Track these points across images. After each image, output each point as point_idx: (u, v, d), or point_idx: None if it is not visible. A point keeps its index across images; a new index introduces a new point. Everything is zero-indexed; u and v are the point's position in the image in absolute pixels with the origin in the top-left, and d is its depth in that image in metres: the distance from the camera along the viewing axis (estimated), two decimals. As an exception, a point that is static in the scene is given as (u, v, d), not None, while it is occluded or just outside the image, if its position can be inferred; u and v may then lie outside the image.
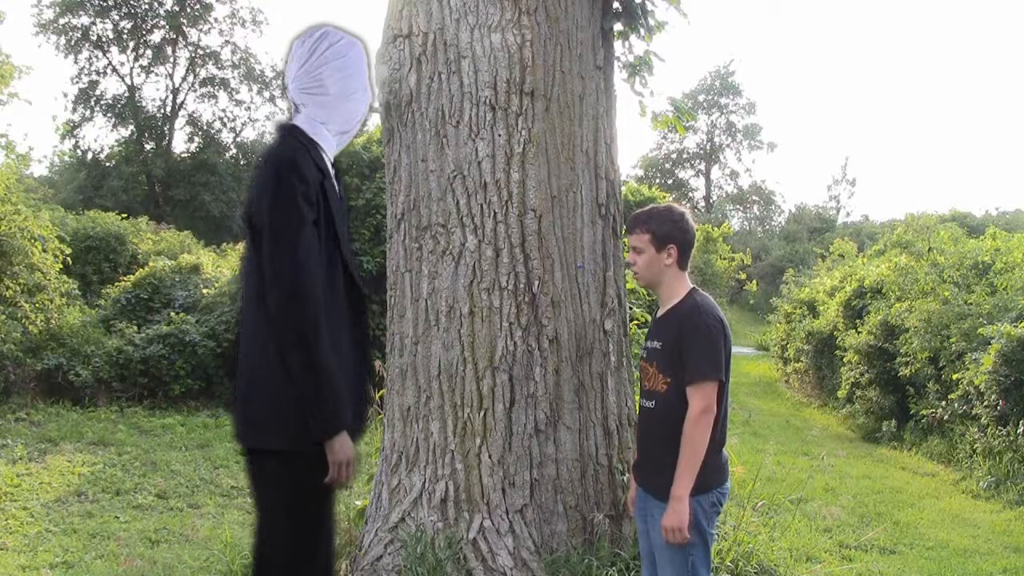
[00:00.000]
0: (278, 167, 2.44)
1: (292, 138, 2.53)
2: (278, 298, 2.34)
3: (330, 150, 2.62)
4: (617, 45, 4.62)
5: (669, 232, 2.88)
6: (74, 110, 29.60)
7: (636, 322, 6.14)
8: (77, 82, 29.76)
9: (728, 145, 47.43)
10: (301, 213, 2.37)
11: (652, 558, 2.96)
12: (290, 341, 2.33)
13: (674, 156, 47.81)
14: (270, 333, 2.38)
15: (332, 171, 2.61)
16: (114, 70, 30.36)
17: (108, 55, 30.19)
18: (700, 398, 2.73)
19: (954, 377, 8.94)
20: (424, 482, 3.92)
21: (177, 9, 29.91)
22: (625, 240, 4.41)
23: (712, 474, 2.81)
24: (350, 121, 2.65)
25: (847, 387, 12.05)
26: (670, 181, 45.93)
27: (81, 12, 29.08)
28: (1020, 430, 7.58)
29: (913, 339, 9.88)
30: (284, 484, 2.45)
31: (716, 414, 2.76)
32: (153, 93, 44.20)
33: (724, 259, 23.03)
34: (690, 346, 2.77)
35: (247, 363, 2.48)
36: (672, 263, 2.88)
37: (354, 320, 2.58)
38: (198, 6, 30.19)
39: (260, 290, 2.40)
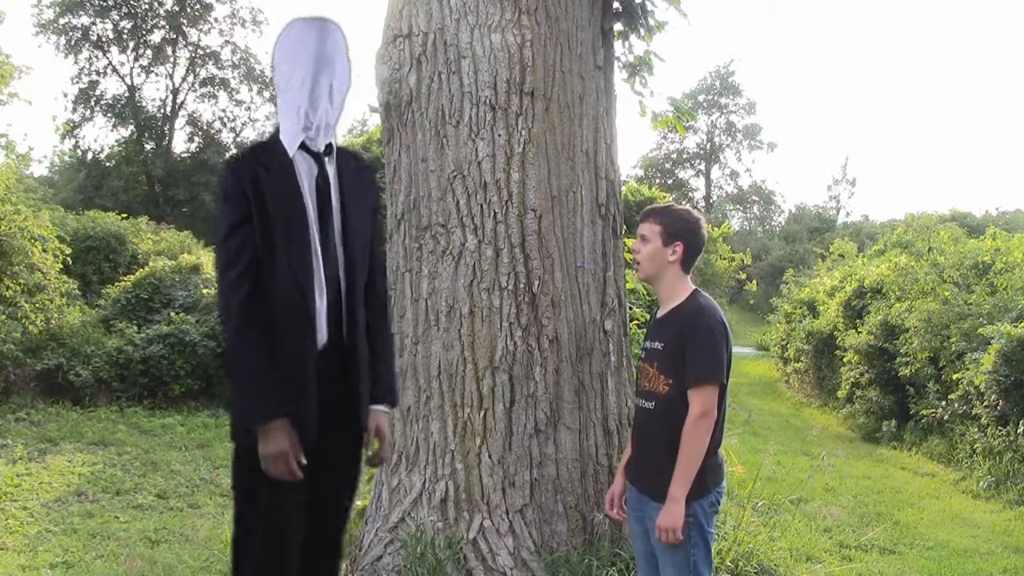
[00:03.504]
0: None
1: (261, 138, 2.61)
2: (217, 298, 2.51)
3: (291, 147, 2.50)
4: (617, 45, 4.62)
5: (680, 230, 2.88)
6: (74, 110, 29.60)
7: (636, 322, 6.14)
8: (77, 82, 29.77)
9: (728, 145, 47.42)
10: (222, 214, 2.45)
11: (647, 558, 2.96)
12: (226, 336, 2.49)
13: (674, 156, 47.79)
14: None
15: (310, 169, 2.52)
16: (114, 70, 30.37)
17: (108, 55, 30.19)
18: (700, 401, 2.73)
19: (954, 377, 8.94)
20: (424, 482, 3.92)
21: (177, 9, 29.90)
22: (626, 240, 4.43)
23: (710, 475, 2.82)
24: (299, 111, 2.50)
25: (847, 387, 12.06)
26: (670, 181, 45.90)
27: (81, 12, 29.06)
28: (1020, 430, 7.58)
29: (913, 339, 9.89)
30: (234, 475, 2.61)
31: (716, 417, 2.77)
32: (153, 93, 44.11)
33: (724, 259, 23.00)
34: (692, 348, 2.77)
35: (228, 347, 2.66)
36: (676, 261, 2.88)
37: (295, 315, 2.47)
38: (198, 6, 30.18)
39: None
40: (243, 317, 2.38)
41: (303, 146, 2.52)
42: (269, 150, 2.51)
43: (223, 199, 2.45)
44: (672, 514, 2.72)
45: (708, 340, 2.77)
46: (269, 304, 2.42)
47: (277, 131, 2.56)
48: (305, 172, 2.52)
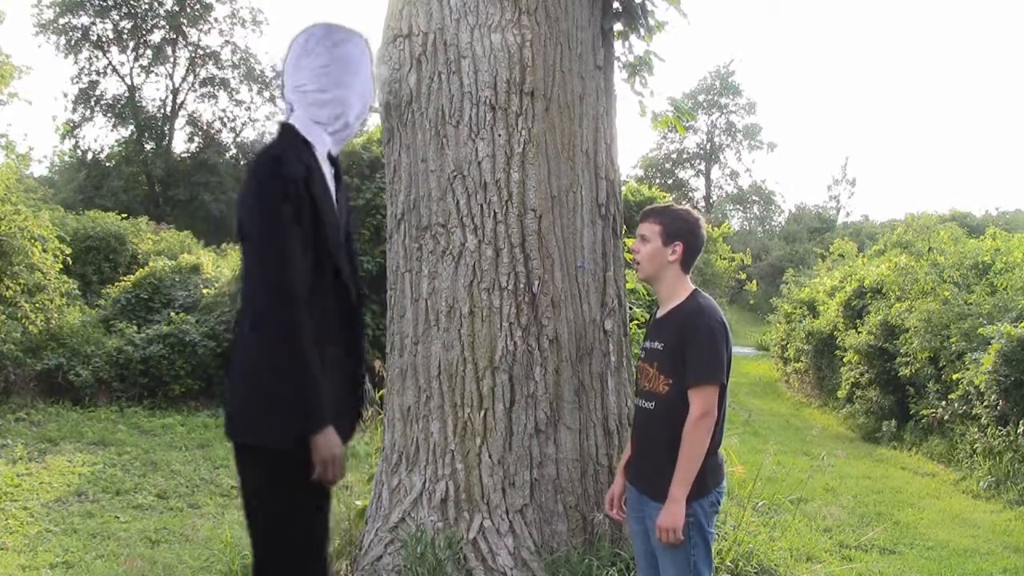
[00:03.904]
0: (257, 166, 2.44)
1: (282, 136, 2.53)
2: (261, 299, 2.34)
3: (323, 148, 2.56)
4: (617, 45, 4.62)
5: (679, 229, 2.89)
6: (74, 110, 29.63)
7: (636, 322, 6.14)
8: (77, 82, 29.80)
9: (728, 145, 47.44)
10: (280, 212, 2.34)
11: (647, 558, 2.96)
12: (272, 340, 2.32)
13: (674, 156, 47.81)
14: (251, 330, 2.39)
15: (331, 171, 2.58)
16: (114, 70, 30.39)
17: (108, 55, 30.22)
18: (701, 401, 2.73)
19: (954, 377, 8.94)
20: (424, 482, 3.92)
21: (177, 9, 29.92)
22: (626, 240, 4.42)
23: (710, 475, 2.82)
24: (338, 119, 2.56)
25: (847, 387, 12.06)
26: (670, 181, 45.92)
27: (81, 12, 29.08)
28: (1020, 430, 7.58)
29: (913, 339, 9.89)
30: (258, 480, 2.46)
31: (716, 417, 2.77)
32: (153, 93, 44.25)
33: (724, 259, 23.02)
34: (692, 348, 2.77)
35: (233, 357, 2.54)
36: (676, 260, 2.88)
37: (344, 318, 2.56)
38: (198, 6, 30.20)
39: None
40: (297, 323, 2.31)
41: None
42: (305, 149, 2.50)
43: (278, 196, 2.35)
44: (672, 514, 2.72)
45: (708, 340, 2.77)
46: (320, 304, 2.43)
47: (292, 128, 2.54)
48: (328, 173, 2.58)
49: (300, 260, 2.35)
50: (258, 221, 2.36)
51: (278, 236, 2.33)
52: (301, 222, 2.37)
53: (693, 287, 2.93)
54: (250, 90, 31.97)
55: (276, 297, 2.31)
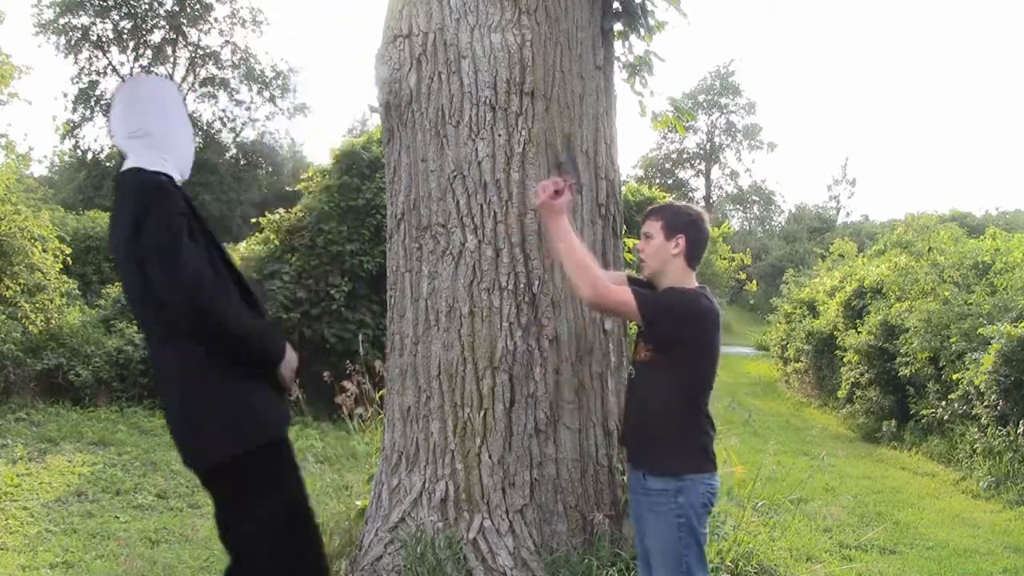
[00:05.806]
0: (141, 191, 2.54)
1: (142, 172, 2.60)
2: (181, 303, 2.44)
3: (177, 177, 2.69)
4: (617, 45, 4.62)
5: (681, 223, 2.92)
6: (74, 110, 29.66)
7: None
8: (77, 82, 29.82)
9: (728, 145, 47.46)
10: (176, 226, 2.49)
11: (648, 558, 2.96)
12: (210, 330, 2.48)
13: (674, 156, 47.84)
14: (178, 352, 2.53)
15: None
16: (114, 70, 30.39)
17: (108, 55, 30.24)
18: (610, 294, 2.85)
19: (954, 377, 8.95)
20: (424, 482, 3.92)
21: (177, 9, 29.94)
22: (626, 241, 4.42)
23: (700, 457, 2.84)
24: (180, 159, 2.73)
25: (847, 387, 12.07)
26: (670, 181, 45.94)
27: (81, 12, 29.10)
28: (1020, 430, 7.58)
29: (913, 339, 9.89)
30: (247, 494, 2.62)
31: (696, 395, 2.83)
32: (153, 93, 44.08)
33: (724, 259, 23.04)
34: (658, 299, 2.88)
35: (170, 390, 2.66)
36: (679, 253, 2.89)
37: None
38: (198, 6, 30.21)
39: (155, 315, 2.55)
40: (215, 288, 2.50)
41: None
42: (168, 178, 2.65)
43: (172, 214, 2.51)
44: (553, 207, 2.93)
45: (667, 296, 2.87)
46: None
47: (142, 170, 2.62)
48: None
49: (202, 263, 2.51)
50: (156, 240, 2.46)
51: (177, 246, 2.46)
52: (193, 235, 2.54)
53: (699, 284, 2.94)
54: (250, 90, 32.03)
55: (191, 295, 2.44)
